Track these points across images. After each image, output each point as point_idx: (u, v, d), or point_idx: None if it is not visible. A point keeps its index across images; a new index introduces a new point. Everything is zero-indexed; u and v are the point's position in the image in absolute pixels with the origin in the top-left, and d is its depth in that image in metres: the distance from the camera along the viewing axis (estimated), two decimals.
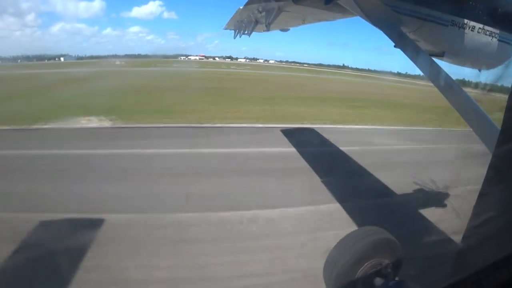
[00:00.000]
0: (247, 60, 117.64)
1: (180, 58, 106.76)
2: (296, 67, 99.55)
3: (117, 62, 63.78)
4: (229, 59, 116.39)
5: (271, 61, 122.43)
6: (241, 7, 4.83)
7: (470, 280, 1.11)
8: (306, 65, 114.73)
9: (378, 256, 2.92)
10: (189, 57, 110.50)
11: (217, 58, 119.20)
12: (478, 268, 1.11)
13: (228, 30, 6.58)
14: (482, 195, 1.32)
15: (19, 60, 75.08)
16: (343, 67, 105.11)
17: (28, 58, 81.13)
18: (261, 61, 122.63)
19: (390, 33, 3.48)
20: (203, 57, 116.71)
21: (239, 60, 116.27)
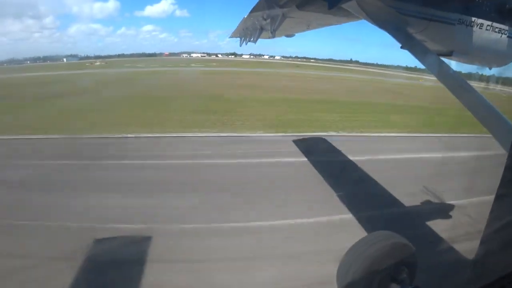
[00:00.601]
0: (251, 57, 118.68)
1: (183, 56, 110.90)
2: (292, 62, 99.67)
3: (97, 63, 66.37)
4: (232, 56, 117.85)
5: (277, 57, 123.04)
6: (245, 16, 4.88)
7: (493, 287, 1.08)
8: (312, 60, 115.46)
9: (393, 261, 2.88)
10: (191, 55, 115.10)
11: (219, 55, 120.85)
12: (500, 275, 1.07)
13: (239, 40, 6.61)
14: (499, 197, 1.27)
15: (27, 62, 78.93)
16: (351, 61, 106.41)
17: (36, 59, 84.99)
18: (266, 57, 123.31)
19: (396, 35, 3.46)
20: (205, 55, 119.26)
21: (243, 56, 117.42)
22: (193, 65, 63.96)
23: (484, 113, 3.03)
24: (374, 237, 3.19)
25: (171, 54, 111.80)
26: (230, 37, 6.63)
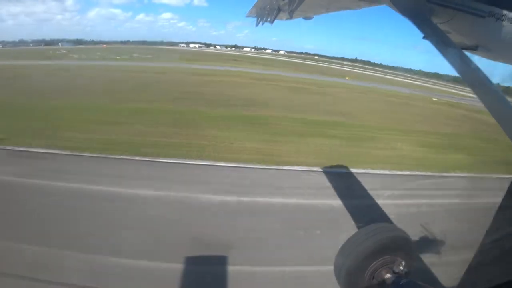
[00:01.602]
0: (253, 50, 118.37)
1: (181, 46, 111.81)
2: (285, 59, 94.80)
3: (59, 52, 65.59)
4: (233, 48, 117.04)
5: (281, 52, 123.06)
6: None
7: None
8: (317, 57, 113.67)
9: (390, 253, 2.88)
10: (189, 45, 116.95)
11: (218, 47, 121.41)
12: (490, 285, 1.06)
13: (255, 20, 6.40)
14: (502, 208, 1.25)
15: (31, 44, 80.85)
16: (355, 60, 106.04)
17: (41, 42, 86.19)
18: (269, 51, 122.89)
19: (419, 24, 3.30)
20: (203, 46, 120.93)
21: (244, 49, 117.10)
22: (118, 58, 57.65)
23: (505, 115, 2.88)
24: (372, 229, 3.17)
25: (171, 44, 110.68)
26: (247, 16, 6.44)
